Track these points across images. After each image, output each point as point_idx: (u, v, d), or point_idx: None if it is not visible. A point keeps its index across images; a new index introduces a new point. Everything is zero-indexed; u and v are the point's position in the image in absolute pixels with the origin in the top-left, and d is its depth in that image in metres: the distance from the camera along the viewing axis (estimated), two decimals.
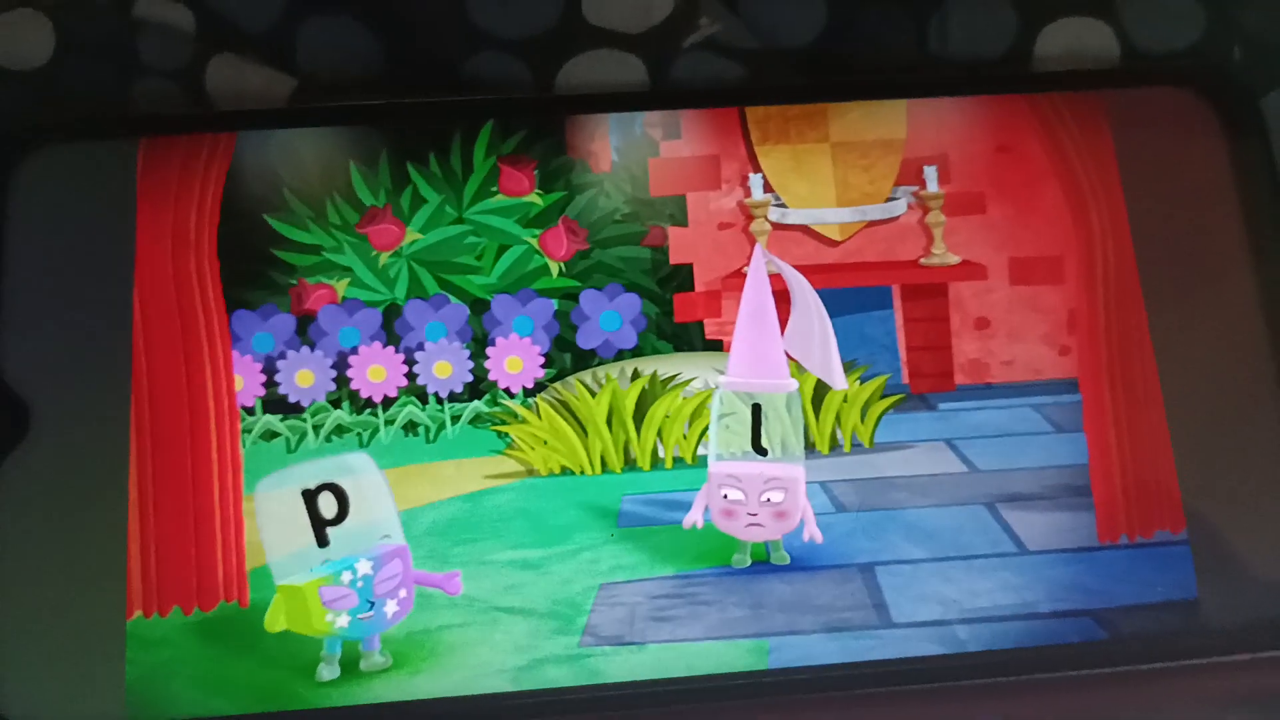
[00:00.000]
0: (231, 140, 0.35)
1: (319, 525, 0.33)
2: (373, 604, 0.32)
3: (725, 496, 0.34)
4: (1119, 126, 0.37)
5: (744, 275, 0.35)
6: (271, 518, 0.33)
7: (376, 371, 0.35)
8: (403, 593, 0.33)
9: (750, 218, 0.36)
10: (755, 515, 0.34)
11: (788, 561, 0.34)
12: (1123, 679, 0.32)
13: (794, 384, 0.34)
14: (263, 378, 0.34)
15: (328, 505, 0.33)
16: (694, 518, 0.34)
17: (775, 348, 0.35)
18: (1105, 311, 0.36)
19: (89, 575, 0.32)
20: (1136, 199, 0.36)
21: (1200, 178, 0.36)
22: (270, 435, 0.34)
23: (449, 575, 0.33)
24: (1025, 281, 0.36)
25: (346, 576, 0.32)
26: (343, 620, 0.32)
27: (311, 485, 0.33)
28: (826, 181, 0.37)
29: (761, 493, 0.34)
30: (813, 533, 0.34)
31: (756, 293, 0.35)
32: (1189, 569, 0.34)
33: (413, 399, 0.35)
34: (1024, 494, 0.34)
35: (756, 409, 0.34)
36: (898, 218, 0.37)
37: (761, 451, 0.34)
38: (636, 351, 0.36)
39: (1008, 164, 0.37)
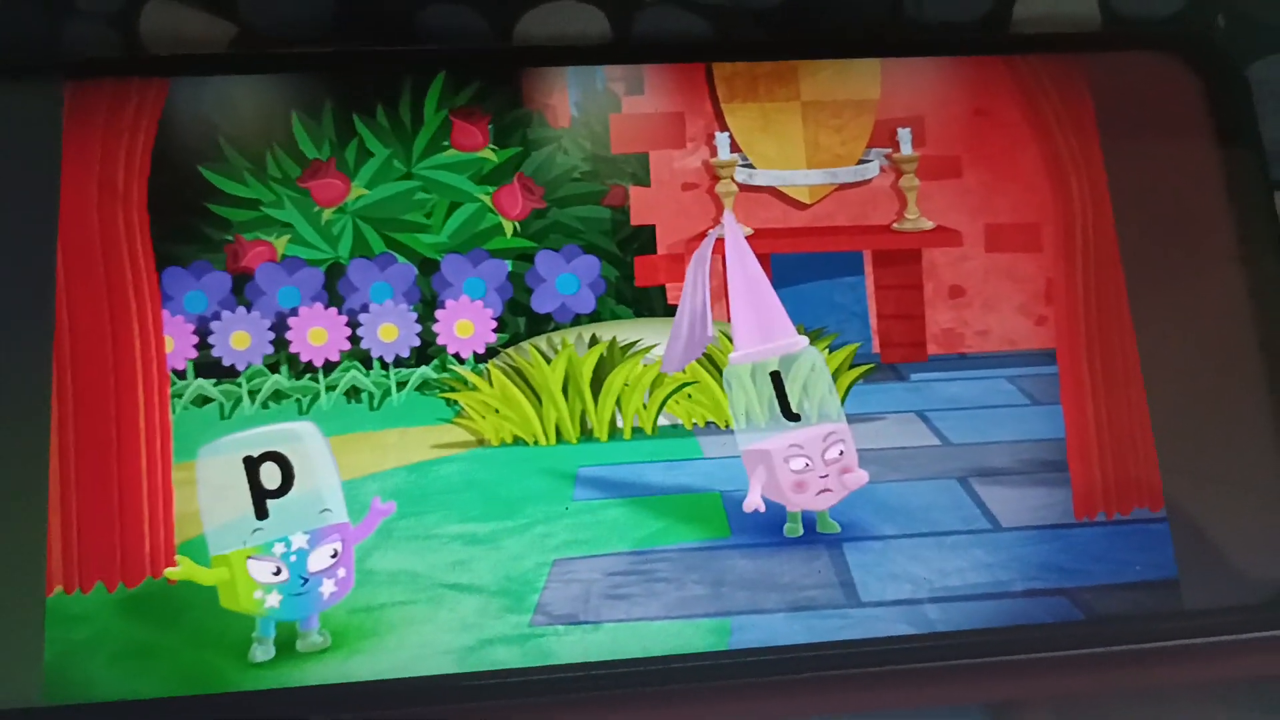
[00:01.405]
0: (164, 86, 0.33)
1: (259, 496, 0.31)
2: (306, 580, 0.30)
3: (793, 469, 0.32)
4: (1100, 92, 0.35)
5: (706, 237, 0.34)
6: (211, 485, 0.31)
7: (317, 334, 0.33)
8: (341, 571, 0.31)
9: (716, 178, 0.35)
10: (825, 477, 0.32)
11: (837, 530, 0.32)
12: (1099, 661, 0.31)
13: (804, 340, 0.33)
14: (195, 339, 0.32)
15: (270, 476, 0.31)
16: (754, 501, 0.32)
17: (777, 309, 0.33)
18: (1084, 281, 0.34)
19: (5, 548, 0.30)
20: (1117, 166, 0.35)
21: (1183, 146, 0.35)
22: (202, 401, 0.32)
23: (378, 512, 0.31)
24: (1002, 249, 0.35)
25: (279, 549, 0.30)
26: (273, 599, 0.30)
27: (255, 453, 0.31)
28: (796, 142, 0.35)
29: (824, 451, 0.32)
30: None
31: (741, 262, 0.34)
32: (1168, 548, 0.32)
33: (356, 364, 0.33)
34: (998, 469, 0.33)
35: (776, 376, 0.33)
36: (870, 181, 0.35)
37: (794, 418, 0.32)
38: (595, 316, 0.34)
39: (985, 128, 0.35)
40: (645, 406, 0.33)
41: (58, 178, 0.32)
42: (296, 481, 0.31)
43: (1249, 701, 0.33)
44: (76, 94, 0.33)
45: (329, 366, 0.33)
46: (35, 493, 0.31)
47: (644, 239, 0.34)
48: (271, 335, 0.33)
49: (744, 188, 0.35)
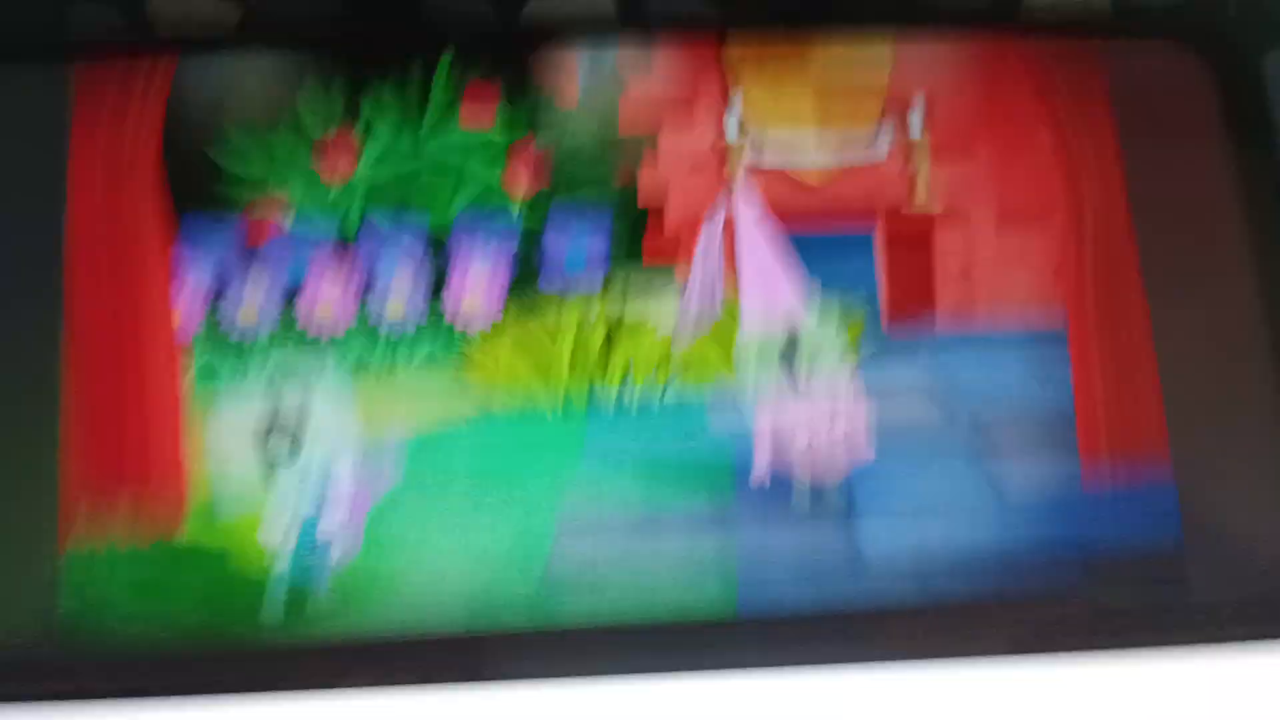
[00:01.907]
0: (171, 65, 0.33)
1: (270, 461, 0.31)
2: (315, 544, 0.30)
3: (800, 441, 0.32)
4: (1113, 76, 0.36)
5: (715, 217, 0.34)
6: (222, 451, 0.31)
7: (325, 306, 0.33)
8: (350, 535, 0.31)
9: (725, 159, 0.35)
10: (833, 450, 0.32)
11: (844, 502, 0.32)
12: (1105, 631, 0.31)
13: (814, 316, 0.33)
14: (204, 311, 0.32)
15: (281, 442, 0.31)
16: (762, 473, 0.32)
17: (787, 287, 0.33)
18: (1094, 261, 0.34)
19: (22, 503, 0.31)
20: (1129, 149, 0.35)
21: (1195, 131, 0.35)
22: (211, 371, 0.32)
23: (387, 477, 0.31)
24: (1011, 230, 0.35)
25: (289, 513, 0.30)
26: (283, 561, 0.30)
27: (266, 420, 0.31)
28: (806, 123, 0.35)
29: (832, 424, 0.32)
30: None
31: (751, 240, 0.34)
32: (1176, 521, 0.32)
33: (364, 335, 0.33)
34: (1007, 442, 0.33)
35: (786, 350, 0.33)
36: (880, 162, 0.35)
37: (802, 392, 0.33)
38: (603, 291, 0.34)
39: (996, 110, 0.35)
40: (654, 378, 0.33)
41: (66, 155, 0.32)
42: (306, 447, 0.31)
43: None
44: (85, 74, 0.33)
45: (337, 338, 0.33)
46: (51, 450, 0.31)
47: (652, 218, 0.34)
48: (280, 307, 0.33)
49: (753, 168, 0.35)
